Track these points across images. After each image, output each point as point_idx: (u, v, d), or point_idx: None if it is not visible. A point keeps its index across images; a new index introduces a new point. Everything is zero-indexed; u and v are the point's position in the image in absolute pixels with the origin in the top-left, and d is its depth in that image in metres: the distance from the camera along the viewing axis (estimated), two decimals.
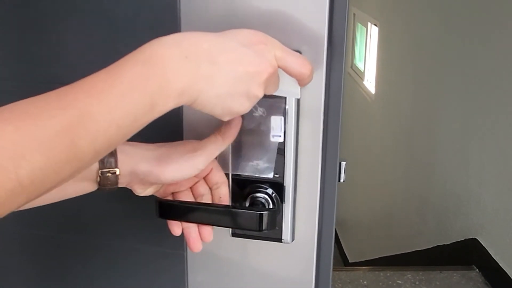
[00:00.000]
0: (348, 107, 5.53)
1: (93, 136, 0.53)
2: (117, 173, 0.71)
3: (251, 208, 0.79)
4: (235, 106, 0.64)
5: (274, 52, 0.65)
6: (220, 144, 0.74)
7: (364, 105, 5.53)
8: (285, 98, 0.76)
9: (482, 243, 3.05)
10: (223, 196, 0.78)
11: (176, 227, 0.77)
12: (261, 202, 0.80)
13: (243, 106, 0.64)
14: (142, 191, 0.76)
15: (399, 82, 4.53)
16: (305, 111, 0.78)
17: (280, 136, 0.78)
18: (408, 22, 4.36)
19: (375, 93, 5.22)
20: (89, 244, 0.95)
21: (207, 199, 0.78)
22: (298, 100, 0.77)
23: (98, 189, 0.72)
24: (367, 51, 5.62)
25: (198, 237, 0.77)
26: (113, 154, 0.71)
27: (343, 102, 0.80)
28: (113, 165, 0.71)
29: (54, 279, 1.01)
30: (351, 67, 6.15)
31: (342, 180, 0.84)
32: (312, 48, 0.76)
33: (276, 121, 0.77)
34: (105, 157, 0.70)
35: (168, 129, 0.84)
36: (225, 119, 0.66)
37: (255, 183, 0.80)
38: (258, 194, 0.80)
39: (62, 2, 0.83)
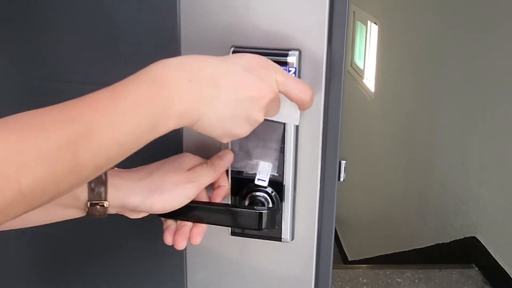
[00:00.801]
0: (347, 105, 5.52)
1: (95, 151, 0.54)
2: (106, 205, 0.72)
3: (251, 207, 0.79)
4: (235, 129, 0.65)
5: (275, 77, 0.66)
6: (212, 176, 0.76)
7: (364, 103, 5.53)
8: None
9: (482, 242, 3.05)
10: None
11: (168, 236, 0.77)
12: (261, 201, 0.80)
13: (243, 129, 0.66)
14: (136, 215, 0.77)
15: (399, 80, 4.53)
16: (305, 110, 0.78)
17: (264, 180, 0.79)
18: (408, 20, 4.36)
19: (374, 92, 5.22)
20: (89, 242, 0.95)
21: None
22: None
23: (86, 215, 0.72)
24: (367, 49, 5.62)
25: (187, 235, 0.77)
26: (103, 183, 0.71)
27: (343, 101, 0.80)
28: (102, 196, 0.71)
29: (54, 277, 1.01)
30: (351, 65, 6.15)
31: (342, 179, 0.84)
32: (312, 46, 0.76)
33: (264, 166, 0.79)
34: (96, 186, 0.71)
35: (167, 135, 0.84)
36: (225, 141, 0.67)
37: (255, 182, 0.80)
38: (258, 193, 0.80)
39: (62, 0, 0.83)
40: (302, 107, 0.70)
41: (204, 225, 0.78)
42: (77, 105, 0.55)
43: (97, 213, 0.71)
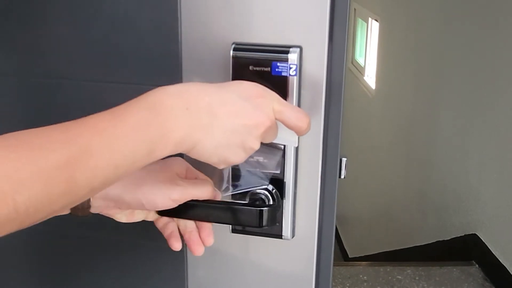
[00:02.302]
0: (348, 102, 5.53)
1: (92, 173, 0.55)
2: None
3: (251, 204, 0.79)
4: (231, 157, 0.66)
5: (272, 105, 0.67)
6: (199, 193, 0.75)
7: (365, 100, 5.53)
8: (286, 95, 0.76)
9: (482, 239, 3.05)
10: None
11: (175, 242, 0.77)
12: (261, 198, 0.80)
13: (239, 157, 0.67)
14: (125, 218, 0.76)
15: (399, 77, 4.53)
16: (306, 106, 0.78)
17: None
18: (409, 17, 4.35)
19: (375, 89, 5.22)
20: (90, 239, 0.95)
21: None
22: (299, 96, 0.77)
23: (70, 214, 0.72)
24: (367, 47, 5.62)
25: (199, 240, 0.77)
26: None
27: (344, 98, 0.80)
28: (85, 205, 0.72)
29: (54, 273, 1.01)
30: (352, 63, 6.14)
31: (342, 176, 0.84)
32: (313, 43, 0.76)
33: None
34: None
35: None
36: (221, 167, 0.68)
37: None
38: (258, 190, 0.80)
39: None
40: (299, 133, 0.71)
41: (209, 225, 0.78)
42: (77, 126, 0.56)
43: (79, 207, 0.71)
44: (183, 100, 0.61)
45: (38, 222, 0.54)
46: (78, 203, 0.57)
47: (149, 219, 0.78)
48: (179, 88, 0.63)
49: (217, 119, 0.63)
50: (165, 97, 0.61)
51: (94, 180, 0.55)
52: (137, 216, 0.77)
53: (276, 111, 0.67)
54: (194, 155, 0.64)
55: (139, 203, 0.72)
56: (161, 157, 0.61)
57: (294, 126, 0.69)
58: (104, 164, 0.55)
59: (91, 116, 0.58)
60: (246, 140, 0.65)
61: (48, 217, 0.54)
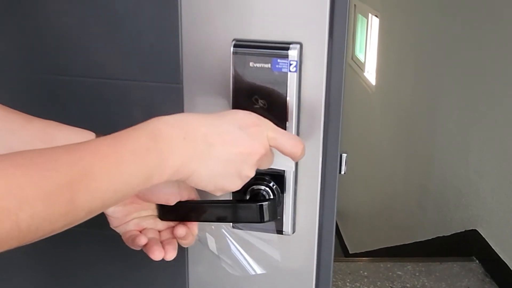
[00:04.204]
0: (348, 98, 5.52)
1: (91, 196, 0.56)
2: None
3: (252, 200, 0.79)
4: (227, 185, 0.69)
5: (267, 133, 0.70)
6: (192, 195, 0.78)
7: (365, 96, 5.53)
8: (286, 91, 0.76)
9: (482, 234, 3.05)
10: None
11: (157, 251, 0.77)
12: (262, 194, 0.80)
13: (235, 184, 0.70)
14: (117, 221, 0.78)
15: (399, 73, 4.52)
16: (306, 102, 0.78)
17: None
18: (408, 13, 4.35)
19: (375, 85, 5.21)
20: (90, 234, 0.95)
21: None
22: (299, 92, 0.77)
23: None
24: (367, 42, 5.61)
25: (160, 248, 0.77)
26: None
27: (344, 94, 0.80)
28: None
29: (54, 271, 1.01)
30: (352, 58, 6.14)
31: (343, 172, 0.84)
32: (313, 39, 0.76)
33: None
34: (101, 135, 0.72)
35: None
36: (218, 194, 0.70)
37: (256, 175, 0.80)
38: (259, 186, 0.80)
39: None
40: (294, 159, 0.73)
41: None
42: (80, 149, 0.58)
43: None
44: (181, 130, 0.64)
45: (37, 240, 0.55)
46: (76, 224, 0.58)
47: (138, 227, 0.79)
48: (177, 118, 0.65)
49: (213, 149, 0.65)
50: (164, 126, 0.63)
51: (93, 203, 0.57)
52: (131, 219, 0.78)
53: (270, 138, 0.70)
54: (190, 183, 0.66)
55: (148, 191, 0.73)
56: (157, 184, 0.62)
57: (289, 153, 0.71)
58: (104, 188, 0.57)
59: (93, 140, 0.61)
60: (242, 169, 0.68)
61: (47, 236, 0.56)
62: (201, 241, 0.83)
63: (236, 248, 0.84)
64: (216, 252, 0.83)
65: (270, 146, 0.70)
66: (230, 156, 0.66)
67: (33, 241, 0.54)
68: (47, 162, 0.54)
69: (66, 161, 0.55)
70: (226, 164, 0.67)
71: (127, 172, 0.59)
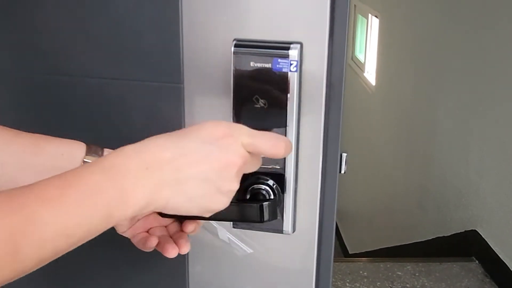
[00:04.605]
0: (348, 98, 5.52)
1: (38, 245, 0.52)
2: None
3: (252, 200, 0.79)
4: (212, 205, 0.64)
5: (241, 141, 0.64)
6: None
7: (365, 96, 5.53)
8: (287, 91, 0.76)
9: (482, 235, 3.05)
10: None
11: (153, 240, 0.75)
12: (262, 194, 0.80)
13: (221, 202, 0.65)
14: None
15: (399, 73, 4.52)
16: (307, 102, 0.78)
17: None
18: (408, 13, 4.35)
19: (375, 85, 5.22)
20: None
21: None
22: (299, 92, 0.77)
23: None
24: (367, 43, 5.61)
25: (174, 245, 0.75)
26: (101, 148, 0.73)
27: (344, 94, 0.80)
28: (99, 153, 0.72)
29: (54, 271, 1.02)
30: (352, 59, 6.14)
31: (343, 172, 0.84)
32: (313, 39, 0.76)
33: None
34: (92, 145, 0.72)
35: (169, 128, 0.84)
36: (207, 215, 0.66)
37: (256, 175, 0.81)
38: (259, 186, 0.81)
39: None
40: (278, 158, 0.70)
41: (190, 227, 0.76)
42: (21, 194, 0.53)
43: None
44: (141, 161, 0.59)
45: None
46: (29, 272, 0.54)
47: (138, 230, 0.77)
48: (136, 149, 0.60)
49: (182, 172, 0.61)
50: (120, 159, 0.58)
51: (42, 251, 0.52)
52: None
53: (246, 145, 0.64)
54: (170, 211, 0.62)
55: None
56: (123, 219, 0.58)
57: (270, 155, 0.67)
58: (53, 235, 0.52)
59: (38, 182, 0.55)
60: (221, 185, 0.63)
61: None
62: (209, 231, 0.83)
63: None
64: (227, 241, 0.83)
65: (248, 152, 0.65)
66: (204, 175, 0.62)
67: None
68: None
69: (6, 210, 0.51)
70: (202, 184, 0.62)
71: (79, 215, 0.54)
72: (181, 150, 0.61)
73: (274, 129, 0.78)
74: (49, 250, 0.53)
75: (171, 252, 0.72)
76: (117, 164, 0.58)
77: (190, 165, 0.61)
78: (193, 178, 0.61)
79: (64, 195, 0.54)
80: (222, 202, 0.65)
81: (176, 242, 0.73)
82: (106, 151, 0.74)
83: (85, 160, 0.72)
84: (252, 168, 0.68)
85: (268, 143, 0.66)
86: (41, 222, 0.52)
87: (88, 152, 0.72)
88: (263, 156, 0.68)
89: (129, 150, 0.60)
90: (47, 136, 0.72)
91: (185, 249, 0.73)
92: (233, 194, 0.66)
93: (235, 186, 0.65)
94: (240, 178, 0.65)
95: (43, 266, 0.55)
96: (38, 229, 0.51)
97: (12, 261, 0.51)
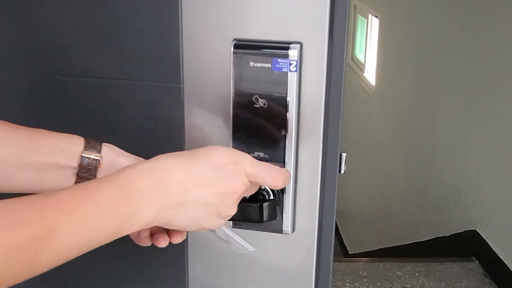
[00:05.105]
0: (348, 99, 5.52)
1: (55, 254, 0.55)
2: (98, 158, 0.72)
3: (252, 200, 0.79)
4: (207, 225, 0.69)
5: (245, 170, 0.68)
6: None
7: (365, 97, 5.53)
8: (286, 91, 0.76)
9: (482, 235, 3.05)
10: None
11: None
12: (262, 194, 0.80)
13: (216, 224, 0.69)
14: None
15: (399, 74, 4.52)
16: (306, 102, 0.78)
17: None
18: (408, 13, 4.35)
19: (375, 85, 5.22)
20: None
21: None
22: (299, 92, 0.77)
23: (76, 181, 0.73)
24: (367, 43, 5.61)
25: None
26: (99, 143, 0.73)
27: (344, 94, 0.80)
28: (97, 148, 0.73)
29: (54, 271, 1.01)
30: (352, 59, 6.14)
31: (342, 172, 0.84)
32: (313, 39, 0.76)
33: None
34: (91, 140, 0.73)
35: (169, 128, 0.84)
36: (199, 230, 0.70)
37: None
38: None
39: None
40: (276, 189, 0.74)
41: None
42: (45, 203, 0.55)
43: (89, 167, 0.72)
44: (154, 180, 0.62)
45: None
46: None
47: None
48: (149, 166, 0.64)
49: (189, 195, 0.64)
50: (135, 177, 0.62)
51: (56, 260, 0.55)
52: None
53: (249, 174, 0.69)
54: (170, 227, 0.66)
55: None
56: (129, 233, 0.62)
57: (271, 186, 0.72)
58: (68, 246, 0.56)
59: (60, 191, 0.57)
60: (221, 210, 0.67)
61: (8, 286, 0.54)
62: (209, 231, 0.83)
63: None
64: (225, 238, 0.83)
65: (251, 181, 0.69)
66: (208, 199, 0.66)
67: None
68: (9, 220, 0.52)
69: (28, 218, 0.53)
70: (205, 208, 0.66)
71: (94, 227, 0.57)
72: (190, 172, 0.65)
73: (274, 130, 0.78)
74: (61, 259, 0.56)
75: (162, 241, 0.74)
76: (132, 182, 0.61)
77: (197, 188, 0.65)
78: (198, 200, 0.65)
79: (83, 208, 0.57)
80: (218, 224, 0.69)
81: (168, 233, 0.75)
82: (105, 145, 0.74)
83: (83, 155, 0.72)
84: (249, 193, 0.73)
85: (269, 175, 0.71)
86: (60, 234, 0.54)
87: (87, 147, 0.73)
88: (263, 185, 0.73)
89: (143, 169, 0.63)
90: (45, 131, 0.73)
91: (176, 239, 0.75)
92: (229, 218, 0.70)
93: (233, 211, 0.69)
94: (237, 204, 0.69)
95: None
96: (56, 239, 0.54)
97: (28, 267, 0.53)
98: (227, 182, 0.67)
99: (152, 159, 0.65)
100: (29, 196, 0.55)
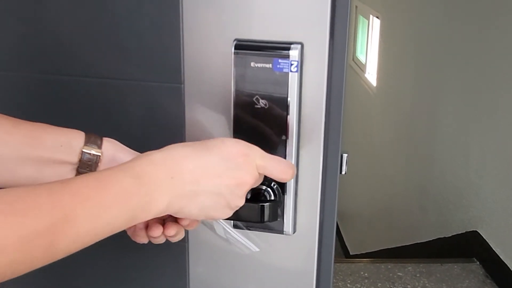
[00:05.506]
0: (349, 99, 5.51)
1: (71, 240, 0.56)
2: (99, 154, 0.73)
3: (253, 200, 0.79)
4: (216, 215, 0.70)
5: (255, 162, 0.70)
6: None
7: (366, 97, 5.53)
8: (287, 91, 0.76)
9: (483, 236, 3.05)
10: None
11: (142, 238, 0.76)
12: (263, 194, 0.80)
13: (225, 214, 0.71)
14: None
15: (400, 74, 4.52)
16: (307, 103, 0.78)
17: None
18: (409, 14, 4.35)
19: (376, 86, 5.21)
20: None
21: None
22: (300, 92, 0.77)
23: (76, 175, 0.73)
24: (368, 44, 5.61)
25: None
26: (100, 138, 0.74)
27: (345, 95, 0.80)
28: (98, 143, 0.73)
29: (54, 270, 1.02)
30: (353, 60, 6.14)
31: (343, 172, 0.84)
32: (314, 39, 0.76)
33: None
34: (92, 135, 0.73)
35: (170, 129, 0.84)
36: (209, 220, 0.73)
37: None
38: (260, 186, 0.80)
39: None
40: (283, 182, 0.76)
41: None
42: (62, 190, 0.56)
43: (89, 162, 0.72)
44: (168, 170, 0.64)
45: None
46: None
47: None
48: (163, 156, 0.65)
49: (201, 185, 0.66)
50: (150, 167, 0.63)
51: (72, 246, 0.56)
52: None
53: (259, 166, 0.70)
54: (180, 216, 0.69)
55: None
56: (140, 222, 0.63)
57: (278, 179, 0.73)
58: (85, 232, 0.57)
59: (76, 179, 0.59)
60: (231, 200, 0.69)
61: (24, 272, 0.55)
62: (207, 226, 0.83)
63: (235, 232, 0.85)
64: (224, 236, 0.83)
65: (259, 173, 0.71)
66: (219, 189, 0.67)
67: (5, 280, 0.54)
68: (27, 207, 0.53)
69: (46, 205, 0.54)
70: (216, 197, 0.67)
71: (110, 216, 0.58)
72: (202, 163, 0.66)
73: (275, 130, 0.78)
74: (78, 245, 0.57)
75: (155, 231, 0.74)
76: (147, 172, 0.62)
77: (209, 178, 0.66)
78: (209, 190, 0.67)
79: (99, 196, 0.58)
80: (226, 214, 0.71)
81: (163, 225, 0.75)
82: (106, 140, 0.75)
83: (83, 150, 0.73)
84: (255, 185, 0.73)
85: (277, 168, 0.72)
86: (77, 221, 0.55)
87: (87, 142, 0.73)
88: (272, 178, 0.73)
89: (157, 158, 0.64)
90: (46, 126, 0.73)
91: (170, 231, 0.75)
92: (237, 208, 0.71)
93: (242, 202, 0.71)
94: (245, 195, 0.71)
95: (41, 267, 0.55)
96: (73, 226, 0.55)
97: (46, 253, 0.54)
98: (238, 174, 0.68)
99: (165, 148, 0.66)
100: (43, 184, 0.56)
